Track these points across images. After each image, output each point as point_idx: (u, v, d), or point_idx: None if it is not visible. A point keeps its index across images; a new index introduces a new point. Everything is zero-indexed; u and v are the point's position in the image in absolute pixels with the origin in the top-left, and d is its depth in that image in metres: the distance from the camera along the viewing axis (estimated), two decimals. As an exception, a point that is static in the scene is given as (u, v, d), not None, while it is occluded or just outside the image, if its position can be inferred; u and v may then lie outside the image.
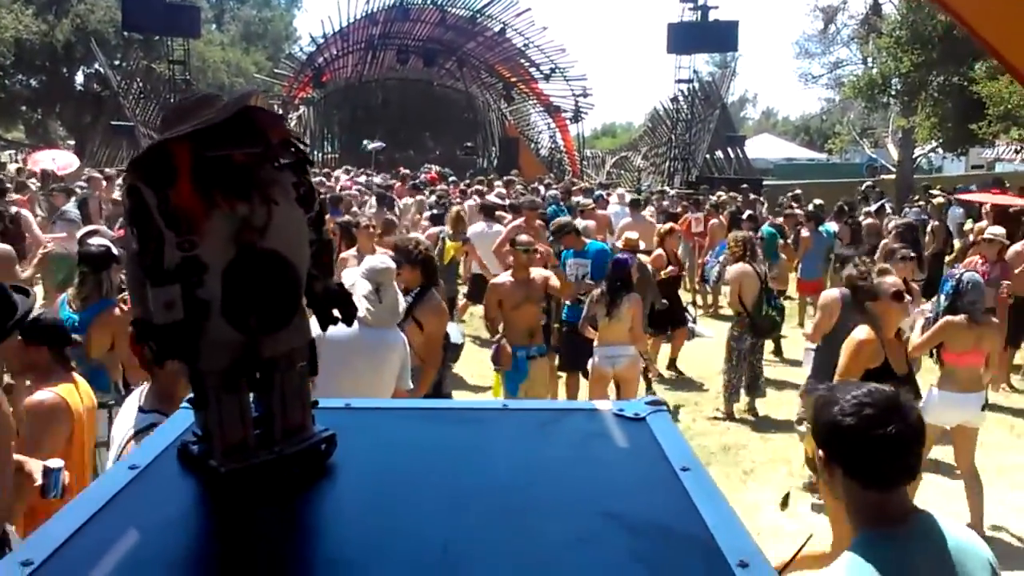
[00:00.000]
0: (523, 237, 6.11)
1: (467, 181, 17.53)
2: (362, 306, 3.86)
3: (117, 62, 35.34)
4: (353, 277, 4.21)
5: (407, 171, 19.21)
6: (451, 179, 18.77)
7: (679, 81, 26.91)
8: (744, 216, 11.36)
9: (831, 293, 5.84)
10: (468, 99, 32.20)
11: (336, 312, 1.03)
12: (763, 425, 7.16)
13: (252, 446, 0.95)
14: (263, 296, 0.90)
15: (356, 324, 3.74)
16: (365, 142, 24.10)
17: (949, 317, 4.96)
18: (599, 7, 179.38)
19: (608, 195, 14.47)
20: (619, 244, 8.59)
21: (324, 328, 1.04)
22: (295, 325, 0.96)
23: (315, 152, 28.72)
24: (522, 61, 29.59)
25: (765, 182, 24.63)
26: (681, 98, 27.42)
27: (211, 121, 0.85)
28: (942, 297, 5.16)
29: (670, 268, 8.29)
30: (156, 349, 0.87)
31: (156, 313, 0.85)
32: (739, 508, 1.14)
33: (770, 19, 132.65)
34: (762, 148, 37.24)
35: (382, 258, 4.31)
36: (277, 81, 30.30)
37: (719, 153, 29.15)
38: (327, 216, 1.09)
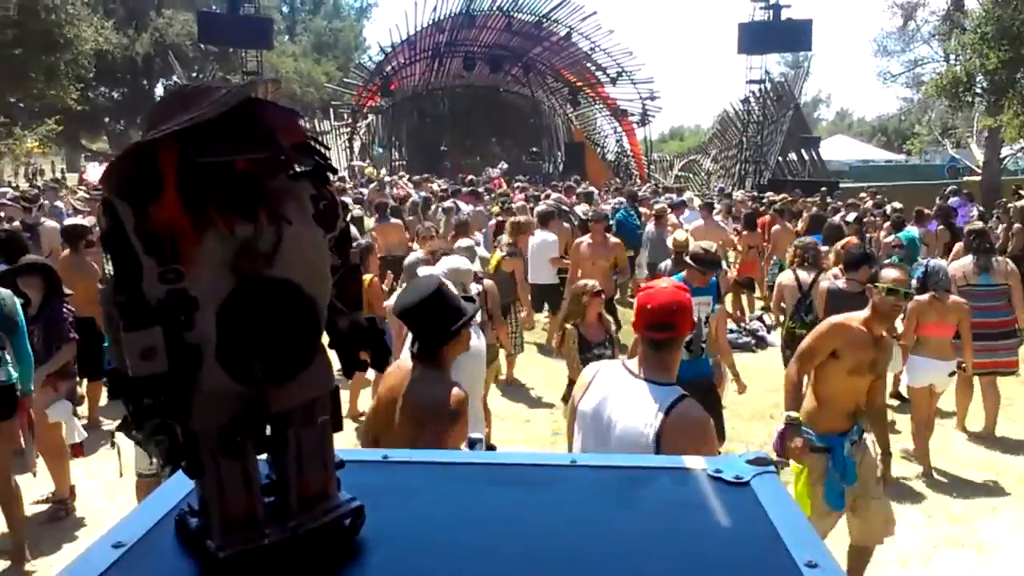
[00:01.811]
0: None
1: (542, 188, 17.28)
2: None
3: (194, 74, 36.47)
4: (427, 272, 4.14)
5: (473, 177, 19.19)
6: (517, 185, 18.58)
7: (750, 82, 26.31)
8: (850, 218, 10.83)
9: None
10: (534, 104, 32.05)
11: (365, 354, 0.84)
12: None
13: (260, 521, 0.77)
14: (271, 337, 0.73)
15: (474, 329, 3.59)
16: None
17: (917, 298, 5.77)
18: (667, 9, 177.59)
19: (684, 199, 14.03)
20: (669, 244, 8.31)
21: (348, 375, 0.86)
22: (313, 371, 0.78)
23: (381, 163, 29.01)
24: (588, 65, 29.28)
25: (841, 184, 23.77)
26: (752, 99, 26.78)
27: (203, 117, 0.67)
28: (913, 282, 5.71)
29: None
30: (133, 408, 0.69)
31: (132, 364, 0.67)
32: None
33: (844, 16, 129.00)
34: (837, 150, 36.16)
35: (462, 259, 4.18)
36: (347, 90, 30.68)
37: (792, 155, 28.32)
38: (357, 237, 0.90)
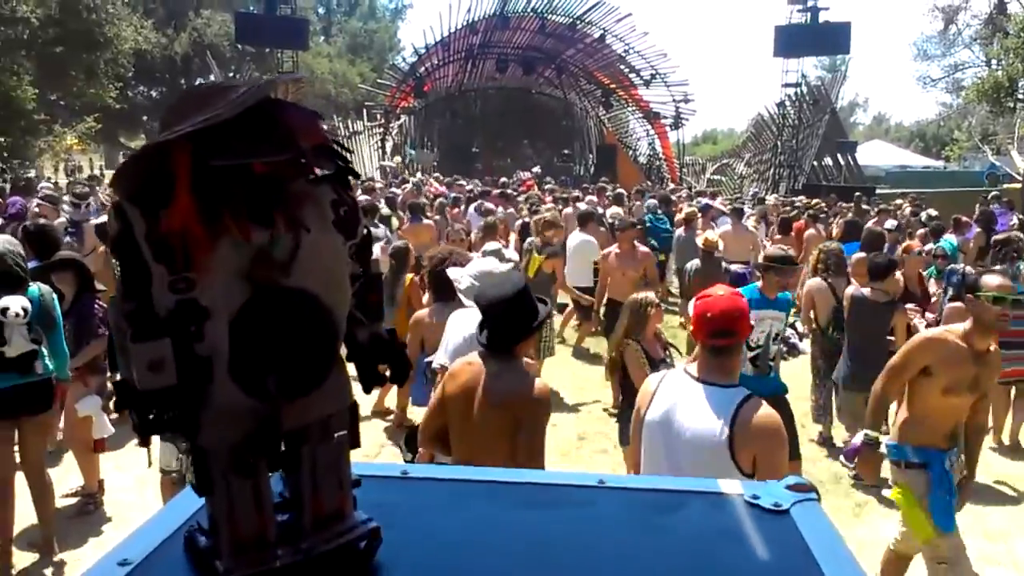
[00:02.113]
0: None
1: (570, 191, 17.20)
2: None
3: (231, 74, 36.94)
4: (458, 275, 4.10)
5: (504, 179, 19.16)
6: (547, 186, 18.51)
7: (786, 85, 26.02)
8: (890, 225, 10.64)
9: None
10: (566, 106, 31.97)
11: (385, 368, 0.80)
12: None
13: (271, 542, 0.74)
14: (286, 350, 0.69)
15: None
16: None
17: (951, 304, 5.77)
18: (701, 11, 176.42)
19: (712, 203, 13.87)
20: (699, 243, 8.23)
21: (367, 390, 0.82)
22: (330, 385, 0.74)
23: (412, 163, 29.10)
24: (622, 67, 29.12)
25: (877, 190, 23.39)
26: (788, 103, 26.46)
27: (218, 118, 0.64)
28: (949, 289, 5.88)
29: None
30: (139, 421, 0.66)
31: (139, 376, 0.64)
32: (853, 545, 0.90)
33: (882, 19, 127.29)
34: (874, 155, 35.63)
35: (493, 261, 4.16)
36: (380, 91, 30.84)
37: (828, 160, 27.93)
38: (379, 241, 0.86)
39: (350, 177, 0.74)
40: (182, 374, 0.65)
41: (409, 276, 6.25)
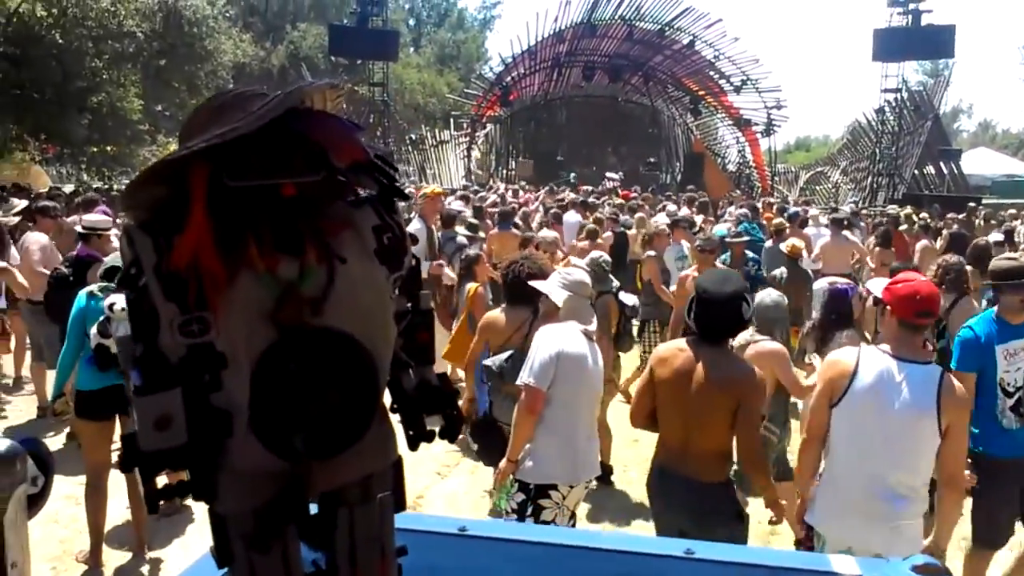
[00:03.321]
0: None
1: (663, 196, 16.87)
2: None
3: (323, 85, 37.93)
4: (550, 287, 3.95)
5: (590, 187, 18.96)
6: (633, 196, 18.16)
7: (886, 91, 25.04)
8: (998, 237, 10.05)
9: None
10: (653, 114, 31.52)
11: (435, 421, 0.69)
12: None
13: None
14: (317, 402, 0.59)
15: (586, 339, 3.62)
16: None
17: None
18: (794, 15, 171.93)
19: (806, 212, 13.35)
20: (783, 248, 7.89)
21: (413, 447, 0.71)
22: (370, 441, 0.64)
23: (500, 169, 29.16)
24: (711, 73, 28.54)
25: (984, 200, 22.15)
26: (888, 109, 25.40)
27: (238, 132, 0.54)
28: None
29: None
30: (145, 487, 0.57)
31: (144, 435, 0.55)
32: None
33: (988, 21, 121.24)
34: (978, 163, 33.78)
35: (578, 271, 4.01)
36: (467, 101, 31.11)
37: (929, 168, 26.67)
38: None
39: (396, 199, 0.64)
40: (195, 431, 0.56)
41: (473, 286, 6.05)
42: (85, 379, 4.32)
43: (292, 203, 0.59)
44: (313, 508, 0.65)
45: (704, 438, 3.19)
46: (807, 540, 3.28)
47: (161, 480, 0.59)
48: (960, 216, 15.07)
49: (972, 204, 16.73)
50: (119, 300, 4.14)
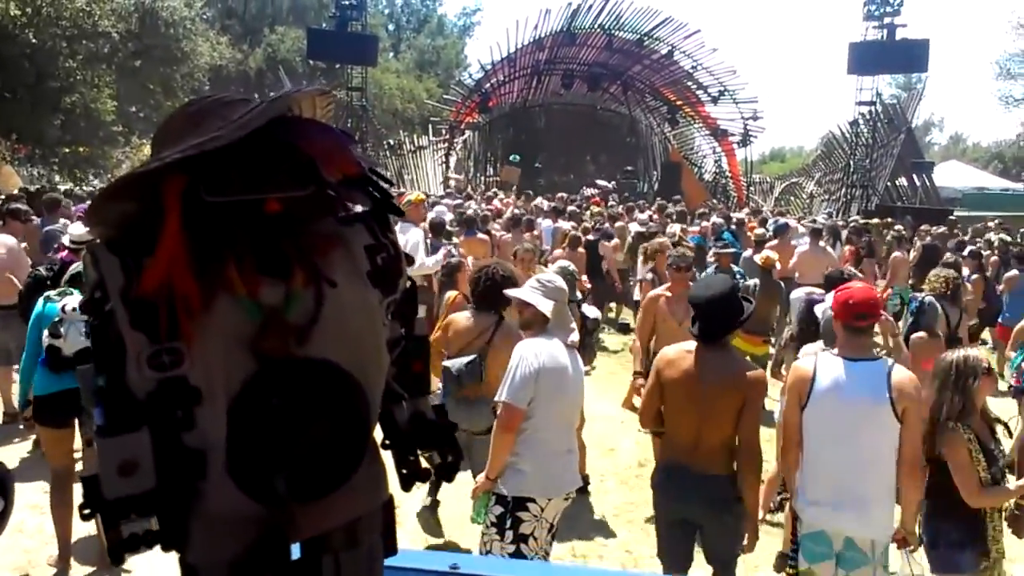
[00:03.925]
0: None
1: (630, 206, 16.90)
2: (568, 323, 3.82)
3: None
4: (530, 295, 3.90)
5: (566, 195, 18.96)
6: (610, 205, 18.19)
7: (860, 103, 25.27)
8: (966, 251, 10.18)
9: None
10: (631, 123, 31.65)
11: (428, 458, 0.63)
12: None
13: None
14: (302, 440, 0.53)
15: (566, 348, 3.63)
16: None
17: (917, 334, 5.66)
18: (771, 27, 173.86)
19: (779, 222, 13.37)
20: (758, 260, 7.90)
21: (407, 487, 0.65)
22: (360, 481, 0.58)
23: (478, 175, 29.10)
24: (689, 84, 28.72)
25: (955, 212, 22.44)
26: (862, 121, 25.68)
27: (217, 142, 0.49)
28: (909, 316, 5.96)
29: None
30: (108, 536, 0.51)
31: (106, 480, 0.49)
32: None
33: (957, 36, 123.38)
34: (950, 176, 34.23)
35: (556, 278, 3.96)
36: (446, 107, 31.04)
37: (902, 180, 26.97)
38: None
39: (390, 215, 0.58)
40: (165, 474, 0.50)
41: (452, 294, 5.99)
42: (41, 383, 4.21)
43: (277, 220, 0.53)
44: (295, 553, 0.60)
45: (713, 434, 3.41)
46: (793, 533, 3.49)
47: (127, 527, 0.53)
48: (933, 229, 15.26)
49: (952, 218, 16.91)
50: (72, 301, 4.05)
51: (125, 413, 0.49)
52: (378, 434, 0.62)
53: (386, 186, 0.60)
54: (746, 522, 3.48)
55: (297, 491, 0.54)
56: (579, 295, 5.98)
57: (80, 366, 0.54)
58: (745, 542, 3.47)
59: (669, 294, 5.71)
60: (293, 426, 0.53)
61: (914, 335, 5.72)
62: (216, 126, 0.50)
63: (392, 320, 0.61)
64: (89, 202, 0.53)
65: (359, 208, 0.59)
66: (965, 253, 10.62)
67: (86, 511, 0.52)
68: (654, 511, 3.76)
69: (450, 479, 0.66)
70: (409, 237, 7.47)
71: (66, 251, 5.64)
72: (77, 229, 5.98)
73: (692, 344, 3.54)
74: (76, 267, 4.37)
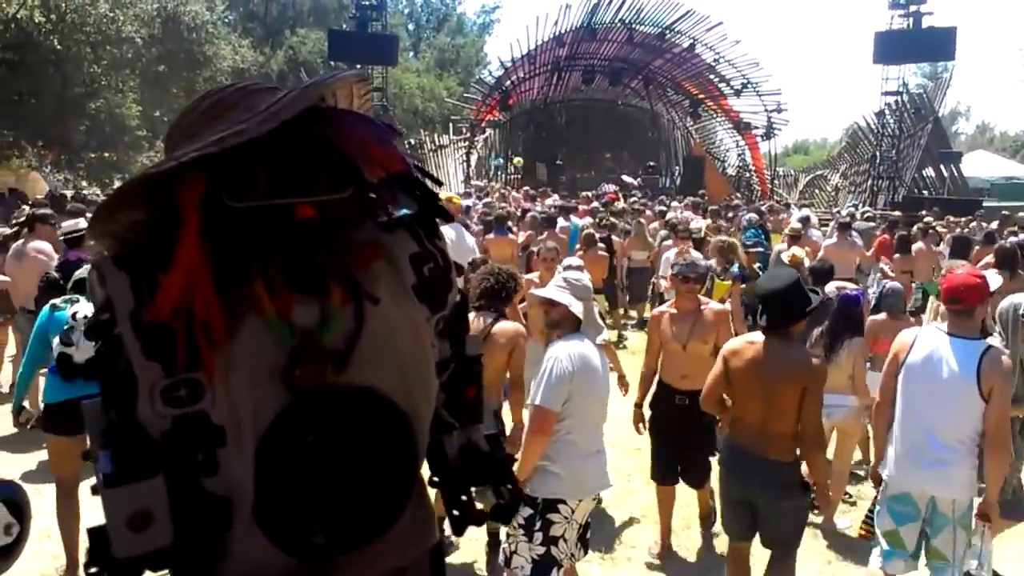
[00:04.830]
0: None
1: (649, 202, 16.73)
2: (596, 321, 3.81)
3: (321, 90, 37.83)
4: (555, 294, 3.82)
5: (588, 193, 18.81)
6: (632, 199, 17.93)
7: (886, 93, 24.90)
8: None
9: None
10: (652, 117, 31.41)
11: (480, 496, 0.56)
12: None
13: None
14: (342, 482, 0.46)
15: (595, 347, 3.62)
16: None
17: (872, 316, 5.72)
18: (793, 19, 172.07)
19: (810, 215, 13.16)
20: (785, 258, 7.73)
21: (459, 531, 0.58)
22: (405, 525, 0.51)
23: (499, 174, 28.99)
24: (711, 77, 28.41)
25: (984, 203, 22.02)
26: (888, 112, 25.29)
27: (242, 136, 0.42)
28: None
29: None
30: None
31: (115, 536, 0.42)
32: None
33: (981, 23, 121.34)
34: (977, 166, 33.68)
35: (582, 275, 3.88)
36: (467, 105, 30.97)
37: (929, 171, 26.55)
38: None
39: (438, 219, 0.51)
40: (183, 526, 0.43)
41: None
42: (51, 391, 4.21)
43: (311, 228, 0.46)
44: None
45: (777, 422, 3.57)
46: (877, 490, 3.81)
47: None
48: (962, 220, 14.98)
49: (981, 211, 16.57)
50: (83, 308, 4.03)
51: (137, 457, 0.43)
52: (424, 470, 0.55)
53: (435, 186, 0.52)
54: (818, 497, 3.76)
55: (336, 541, 0.47)
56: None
57: (85, 401, 0.47)
58: (819, 514, 3.78)
59: (674, 311, 4.81)
60: (331, 466, 0.46)
61: (872, 317, 5.66)
62: (239, 119, 0.43)
63: (441, 339, 0.53)
64: (94, 210, 0.46)
65: (401, 211, 0.52)
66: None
67: (92, 570, 0.45)
68: (719, 487, 3.96)
69: (507, 521, 0.57)
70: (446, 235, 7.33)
71: (68, 251, 5.67)
72: (68, 223, 5.99)
73: (758, 335, 3.69)
74: (81, 272, 4.34)
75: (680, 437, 4.68)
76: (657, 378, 4.86)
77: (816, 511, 3.77)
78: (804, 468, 3.70)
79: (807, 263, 7.90)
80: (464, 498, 0.55)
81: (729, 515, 3.84)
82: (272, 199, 0.44)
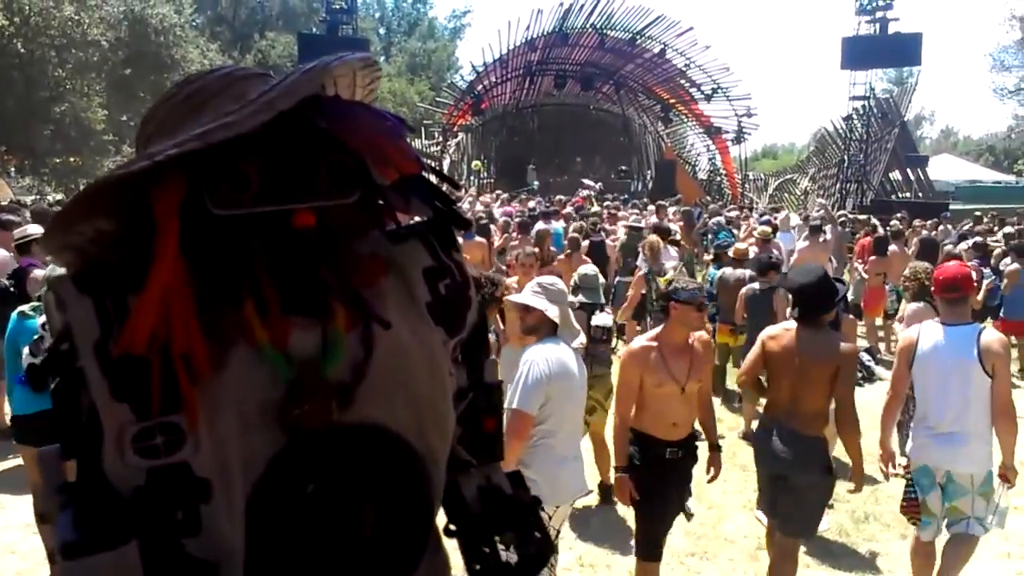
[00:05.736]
0: None
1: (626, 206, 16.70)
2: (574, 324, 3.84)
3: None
4: (537, 302, 3.71)
5: (562, 197, 18.77)
6: (606, 203, 17.87)
7: (854, 98, 25.22)
8: (968, 244, 10.05)
9: None
10: (624, 122, 31.53)
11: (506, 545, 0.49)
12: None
13: None
14: (347, 538, 0.39)
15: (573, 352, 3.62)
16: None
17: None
18: (762, 24, 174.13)
19: (775, 219, 13.23)
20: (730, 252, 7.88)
21: None
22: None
23: (471, 179, 28.88)
24: (682, 82, 28.61)
25: (950, 206, 22.34)
26: (856, 116, 25.61)
27: (230, 130, 0.35)
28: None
29: None
30: None
31: None
32: None
33: (945, 29, 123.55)
34: (943, 170, 34.28)
35: (557, 280, 3.81)
36: (438, 110, 30.85)
37: (897, 174, 26.91)
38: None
39: (455, 228, 0.44)
40: None
41: None
42: (21, 402, 4.07)
43: (310, 239, 0.38)
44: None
45: (807, 401, 3.85)
46: (905, 468, 4.12)
47: None
48: (927, 223, 15.17)
49: (947, 214, 16.86)
50: None
51: (103, 520, 0.33)
52: (440, 516, 0.48)
53: (454, 190, 0.45)
54: (853, 473, 3.94)
55: None
56: (602, 299, 5.82)
57: (41, 449, 0.38)
58: (853, 483, 3.95)
59: (655, 343, 3.79)
60: (335, 520, 0.38)
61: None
62: (226, 109, 0.35)
63: (458, 366, 0.46)
64: (52, 218, 0.38)
65: (413, 219, 0.44)
66: (968, 245, 10.50)
67: None
68: (756, 466, 4.18)
69: (535, 574, 0.49)
70: None
71: (21, 258, 5.47)
72: (20, 229, 5.78)
73: (792, 323, 4.02)
74: (48, 272, 4.23)
75: (673, 501, 3.82)
76: (633, 431, 3.79)
77: (850, 490, 4.05)
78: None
79: (752, 254, 8.05)
80: (487, 549, 0.47)
81: (766, 493, 4.10)
82: (265, 205, 0.36)
